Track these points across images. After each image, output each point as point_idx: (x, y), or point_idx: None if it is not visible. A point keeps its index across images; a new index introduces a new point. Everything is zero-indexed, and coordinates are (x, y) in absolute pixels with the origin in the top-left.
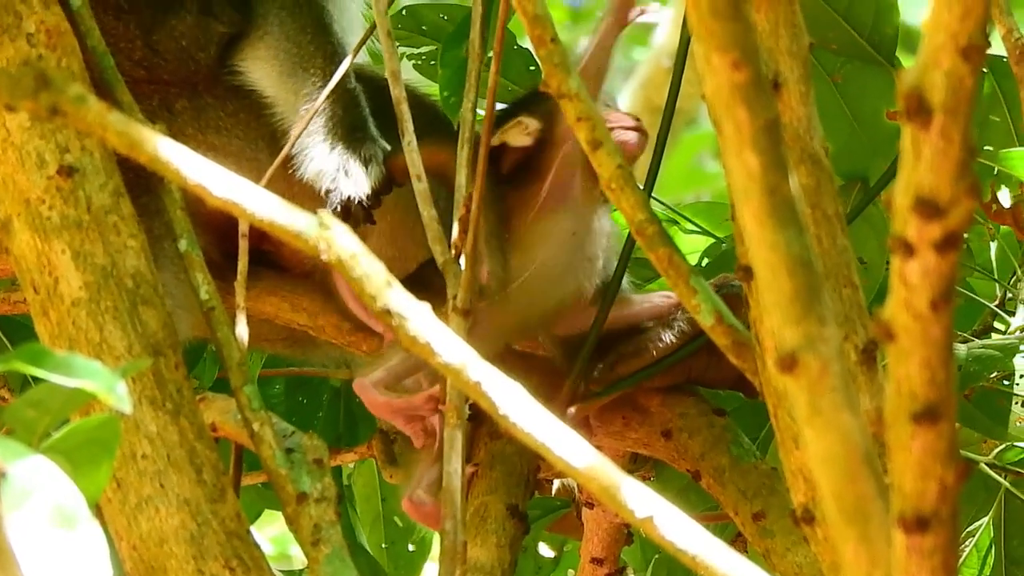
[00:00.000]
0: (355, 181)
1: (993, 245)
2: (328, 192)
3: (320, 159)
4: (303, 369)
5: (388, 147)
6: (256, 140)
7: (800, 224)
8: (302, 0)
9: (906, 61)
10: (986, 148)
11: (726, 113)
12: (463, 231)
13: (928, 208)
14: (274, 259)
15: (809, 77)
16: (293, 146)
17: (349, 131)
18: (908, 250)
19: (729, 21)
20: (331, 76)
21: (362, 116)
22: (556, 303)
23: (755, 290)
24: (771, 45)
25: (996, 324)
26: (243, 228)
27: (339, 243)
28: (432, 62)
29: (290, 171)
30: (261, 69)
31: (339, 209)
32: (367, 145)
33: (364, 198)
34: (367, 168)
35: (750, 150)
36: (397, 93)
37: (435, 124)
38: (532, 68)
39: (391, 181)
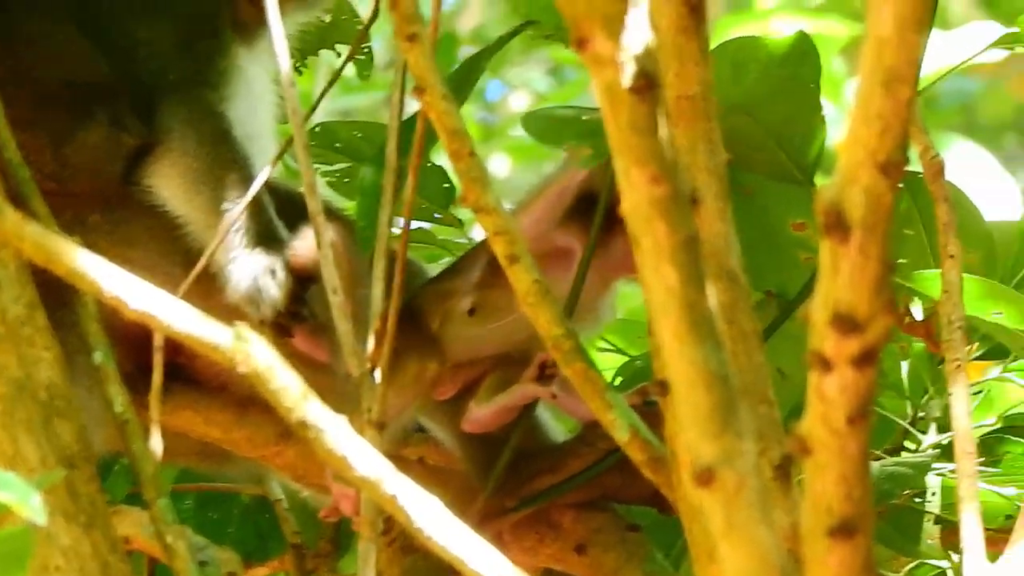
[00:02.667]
0: (267, 300)
1: (904, 364)
2: (250, 314)
3: (234, 279)
4: (214, 484)
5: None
6: (171, 254)
7: (718, 339)
8: (202, 112)
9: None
10: (900, 261)
11: (645, 227)
12: (378, 345)
13: (846, 323)
14: (188, 372)
15: (727, 194)
16: (209, 262)
17: (259, 242)
18: (826, 365)
19: (647, 136)
20: (235, 186)
21: (271, 225)
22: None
23: (672, 405)
24: (689, 161)
25: (906, 443)
26: (158, 341)
27: (256, 356)
28: (346, 180)
29: (205, 285)
30: (167, 187)
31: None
32: (272, 255)
33: (280, 312)
34: (274, 279)
35: (669, 265)
36: (314, 206)
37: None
38: (446, 185)
39: (306, 281)
